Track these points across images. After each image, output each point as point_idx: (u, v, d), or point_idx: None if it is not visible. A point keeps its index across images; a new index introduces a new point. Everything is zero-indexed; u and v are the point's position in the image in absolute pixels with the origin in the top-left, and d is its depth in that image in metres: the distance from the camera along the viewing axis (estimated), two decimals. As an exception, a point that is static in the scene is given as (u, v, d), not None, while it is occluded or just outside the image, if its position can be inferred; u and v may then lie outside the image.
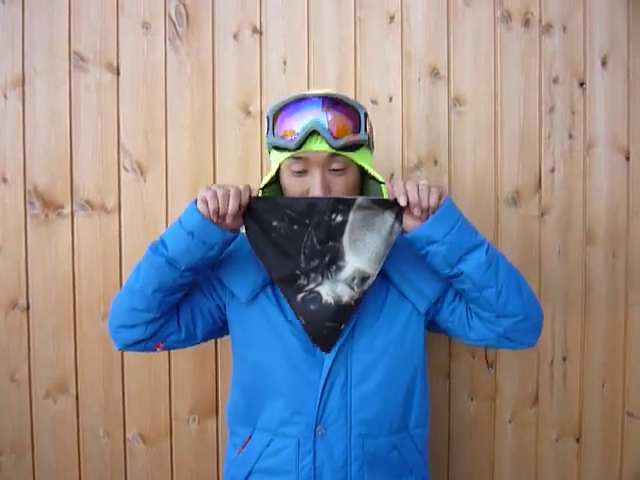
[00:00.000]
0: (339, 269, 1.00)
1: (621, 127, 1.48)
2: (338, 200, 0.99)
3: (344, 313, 1.00)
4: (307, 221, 1.00)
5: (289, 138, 1.00)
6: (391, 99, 1.45)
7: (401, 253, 1.06)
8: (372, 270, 1.00)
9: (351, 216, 0.99)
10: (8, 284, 1.44)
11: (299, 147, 0.99)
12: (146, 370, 1.45)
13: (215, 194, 0.96)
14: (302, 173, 1.02)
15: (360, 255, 1.00)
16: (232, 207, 0.96)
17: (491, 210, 1.48)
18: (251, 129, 1.44)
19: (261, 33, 1.44)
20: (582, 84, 1.47)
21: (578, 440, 1.53)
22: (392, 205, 0.99)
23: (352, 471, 1.04)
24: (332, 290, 1.00)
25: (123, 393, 1.46)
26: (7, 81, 1.43)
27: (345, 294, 1.00)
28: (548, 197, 1.48)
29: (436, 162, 1.46)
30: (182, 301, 1.08)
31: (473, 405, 1.50)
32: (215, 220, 0.97)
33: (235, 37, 1.44)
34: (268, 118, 1.04)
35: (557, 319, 1.50)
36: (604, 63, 1.47)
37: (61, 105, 1.44)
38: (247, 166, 1.44)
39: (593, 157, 1.48)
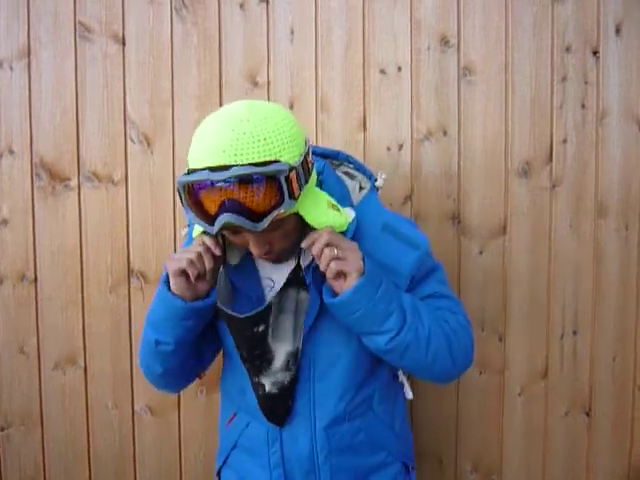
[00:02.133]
0: (269, 362, 1.00)
1: (635, 97, 1.45)
2: (255, 315, 0.95)
3: (288, 390, 1.01)
4: (232, 331, 0.99)
5: (205, 223, 0.85)
6: (400, 68, 1.43)
7: (370, 239, 1.01)
8: (297, 343, 0.99)
9: (271, 319, 0.97)
10: (16, 256, 1.44)
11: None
12: (154, 342, 1.45)
13: (190, 260, 0.92)
14: (236, 232, 0.92)
15: (284, 339, 0.99)
16: (209, 264, 0.94)
17: (501, 182, 1.45)
18: (258, 99, 1.41)
19: (267, 2, 1.42)
20: (595, 52, 1.44)
21: (588, 414, 1.52)
22: (291, 280, 0.96)
23: (319, 461, 1.04)
24: (271, 382, 1.00)
25: (131, 365, 1.46)
26: (12, 53, 1.42)
27: (285, 377, 1.00)
28: (560, 168, 1.46)
29: (445, 132, 1.44)
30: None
31: (482, 379, 1.49)
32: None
33: (241, 6, 1.42)
34: (178, 190, 0.87)
35: (568, 292, 1.48)
36: (618, 31, 1.43)
37: (67, 76, 1.43)
38: (254, 137, 1.42)
39: (606, 127, 1.45)
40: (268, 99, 1.42)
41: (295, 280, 0.96)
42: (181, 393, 1.47)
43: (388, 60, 1.43)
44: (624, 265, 1.48)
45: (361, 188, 1.09)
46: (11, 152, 1.43)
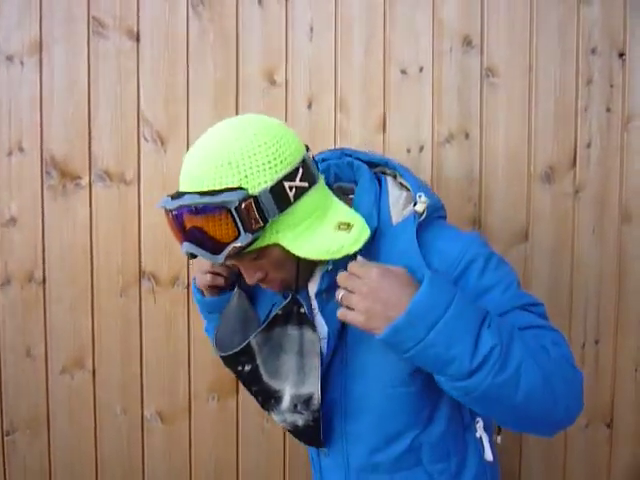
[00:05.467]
0: (278, 401, 0.92)
1: (661, 101, 1.42)
2: (236, 354, 0.91)
3: (309, 432, 0.93)
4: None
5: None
6: (421, 69, 1.39)
7: (390, 257, 0.85)
8: (309, 388, 0.89)
9: (258, 359, 0.90)
10: (24, 257, 1.40)
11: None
12: (165, 346, 1.42)
13: (212, 276, 1.01)
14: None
15: (287, 380, 0.91)
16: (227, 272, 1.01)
17: (523, 186, 1.42)
18: (276, 99, 1.39)
19: (287, -1, 1.39)
20: (621, 55, 1.41)
21: (609, 426, 1.48)
22: (288, 316, 0.88)
23: None
24: (282, 420, 0.94)
25: (141, 369, 1.42)
26: (24, 47, 1.39)
27: (298, 419, 0.92)
28: (583, 173, 1.42)
29: (467, 135, 1.40)
30: None
31: (501, 388, 1.45)
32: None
33: (260, 2, 1.38)
34: None
35: (590, 301, 1.44)
36: (645, 33, 1.40)
37: (79, 72, 1.39)
38: (271, 137, 1.38)
39: (632, 132, 1.42)
40: (286, 98, 1.39)
41: (291, 316, 0.88)
42: (192, 400, 1.44)
43: (409, 60, 1.39)
44: (647, 273, 1.45)
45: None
46: (21, 149, 1.39)
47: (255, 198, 0.75)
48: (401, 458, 0.92)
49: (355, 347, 0.90)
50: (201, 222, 0.76)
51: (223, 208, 0.74)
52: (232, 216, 0.75)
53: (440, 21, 1.39)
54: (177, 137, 1.40)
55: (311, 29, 1.39)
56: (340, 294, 0.76)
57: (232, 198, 0.74)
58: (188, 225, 0.77)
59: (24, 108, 1.39)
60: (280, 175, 0.77)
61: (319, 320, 0.92)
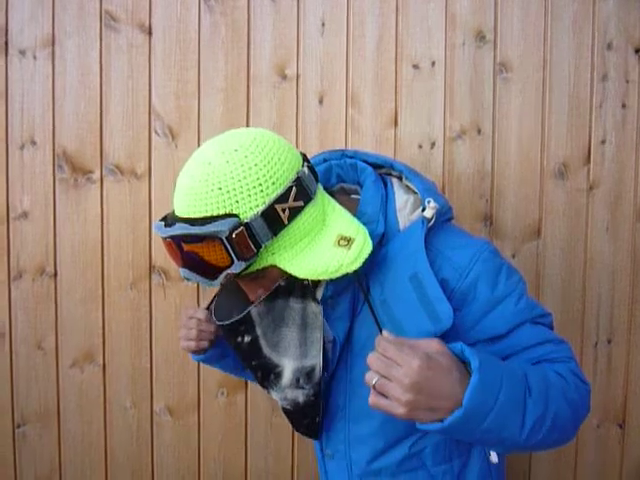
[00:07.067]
0: (278, 377, 0.91)
1: (678, 97, 1.40)
2: (236, 323, 0.89)
3: (310, 409, 0.93)
4: (227, 343, 0.97)
5: None
6: (434, 64, 1.38)
7: (387, 273, 0.85)
8: (311, 360, 0.89)
9: (259, 330, 0.89)
10: (36, 250, 1.41)
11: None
12: (175, 340, 1.41)
13: (195, 344, 1.02)
14: None
15: (288, 354, 0.89)
16: (209, 336, 1.03)
17: (536, 183, 1.40)
18: (287, 93, 1.38)
19: (299, -7, 1.38)
20: (637, 51, 1.39)
21: (621, 426, 1.46)
22: (291, 288, 0.86)
23: None
24: (283, 397, 0.92)
25: (151, 364, 1.43)
26: (36, 42, 1.39)
27: (298, 396, 0.91)
28: (598, 170, 1.40)
29: (479, 131, 1.39)
30: None
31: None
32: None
33: (272, -3, 1.38)
34: None
35: (603, 299, 1.43)
36: (662, 28, 1.38)
37: (91, 66, 1.39)
38: (282, 132, 1.38)
39: (647, 128, 1.40)
40: (297, 93, 1.38)
41: (294, 289, 0.86)
42: (201, 394, 1.44)
43: (422, 55, 1.38)
44: (662, 272, 1.43)
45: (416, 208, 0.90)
46: (33, 143, 1.40)
47: (247, 225, 0.74)
48: (404, 461, 0.92)
49: (359, 353, 0.89)
50: (195, 248, 0.75)
51: (215, 238, 0.73)
52: (224, 245, 0.74)
53: (453, 15, 1.38)
54: (188, 131, 1.39)
55: (323, 23, 1.38)
56: (374, 380, 0.69)
57: (222, 228, 0.73)
58: (184, 249, 0.76)
59: (36, 102, 1.39)
60: (272, 198, 0.75)
61: (324, 324, 0.91)
